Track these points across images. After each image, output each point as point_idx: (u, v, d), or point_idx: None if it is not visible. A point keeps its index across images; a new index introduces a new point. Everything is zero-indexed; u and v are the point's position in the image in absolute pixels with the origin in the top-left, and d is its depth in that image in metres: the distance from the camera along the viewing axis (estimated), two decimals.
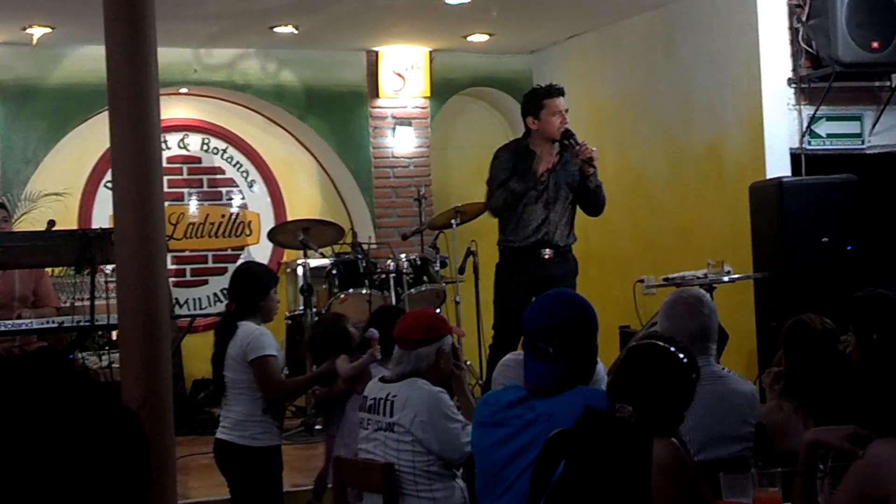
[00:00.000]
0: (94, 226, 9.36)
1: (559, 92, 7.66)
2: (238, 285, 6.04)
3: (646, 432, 3.05)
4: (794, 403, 4.39)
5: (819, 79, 8.79)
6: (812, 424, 4.12)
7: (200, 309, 10.77)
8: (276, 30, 9.95)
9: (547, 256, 7.52)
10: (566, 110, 7.61)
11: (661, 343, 3.69)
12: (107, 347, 8.54)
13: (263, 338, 5.76)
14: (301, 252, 9.30)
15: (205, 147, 11.09)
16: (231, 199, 11.17)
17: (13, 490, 1.34)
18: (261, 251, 11.07)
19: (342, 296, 8.94)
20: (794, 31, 8.91)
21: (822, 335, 4.54)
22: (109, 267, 7.43)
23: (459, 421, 4.78)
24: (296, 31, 10.01)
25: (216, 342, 5.97)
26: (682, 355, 3.62)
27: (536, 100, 7.64)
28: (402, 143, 11.22)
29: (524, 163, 7.56)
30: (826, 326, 4.58)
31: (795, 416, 4.35)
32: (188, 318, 9.03)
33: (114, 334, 7.67)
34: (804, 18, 8.81)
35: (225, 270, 10.99)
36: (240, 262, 10.71)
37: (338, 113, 11.09)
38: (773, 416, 4.47)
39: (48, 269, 8.25)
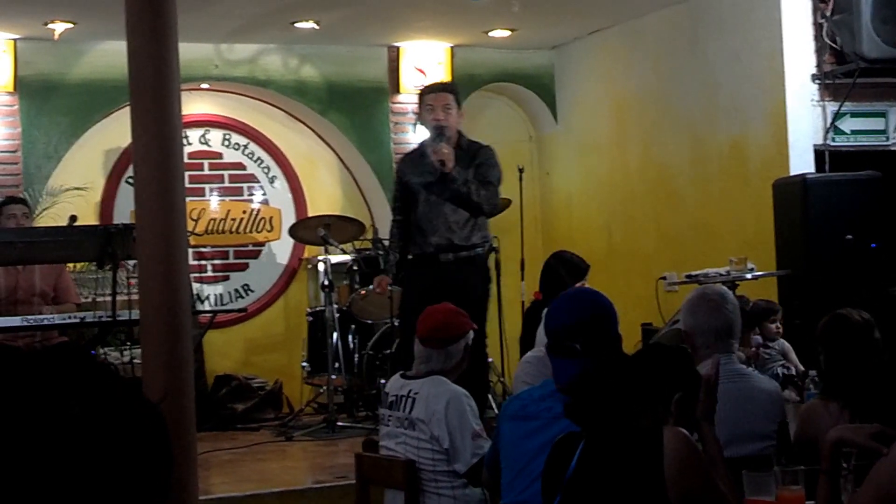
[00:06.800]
0: (116, 221, 9.39)
1: (438, 87, 7.55)
2: (545, 276, 6.23)
3: (656, 426, 3.04)
4: (839, 403, 4.27)
5: (843, 75, 8.74)
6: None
7: (222, 305, 10.77)
8: (297, 25, 9.95)
9: (446, 260, 7.23)
10: (447, 106, 7.33)
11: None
12: (128, 343, 8.55)
13: None
14: (322, 248, 9.29)
15: (226, 143, 11.10)
16: (252, 194, 11.17)
17: (33, 481, 1.33)
18: (282, 247, 11.07)
19: (363, 292, 8.94)
20: (818, 27, 8.86)
21: (861, 327, 4.46)
22: (131, 262, 7.44)
23: (477, 426, 4.74)
24: (317, 27, 10.00)
25: (523, 329, 6.35)
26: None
27: (420, 95, 7.53)
28: (423, 139, 11.18)
29: (417, 165, 7.42)
30: (863, 317, 4.50)
31: (842, 418, 4.22)
32: (209, 314, 9.03)
33: (135, 330, 7.68)
34: (828, 14, 8.77)
35: (246, 266, 11.00)
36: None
37: (359, 109, 11.07)
38: (819, 421, 4.23)
39: (69, 265, 8.27)
